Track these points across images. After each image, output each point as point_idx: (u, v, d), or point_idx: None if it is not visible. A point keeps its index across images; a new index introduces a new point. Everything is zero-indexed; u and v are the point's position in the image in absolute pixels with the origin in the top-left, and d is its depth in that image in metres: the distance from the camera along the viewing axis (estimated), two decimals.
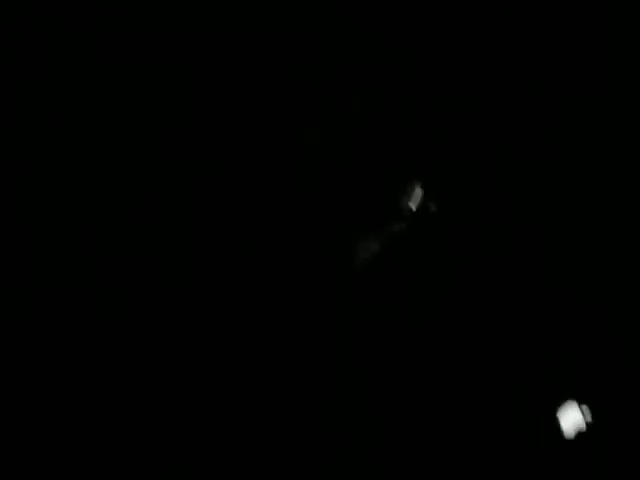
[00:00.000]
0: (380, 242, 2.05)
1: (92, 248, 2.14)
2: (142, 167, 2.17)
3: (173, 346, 2.08)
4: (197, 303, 2.10)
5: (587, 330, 2.10)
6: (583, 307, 2.13)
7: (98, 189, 2.17)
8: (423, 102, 2.23)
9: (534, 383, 2.07)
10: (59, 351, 2.07)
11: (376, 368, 2.06)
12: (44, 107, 2.15)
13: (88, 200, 2.16)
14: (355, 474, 2.04)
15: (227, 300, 2.10)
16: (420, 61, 2.22)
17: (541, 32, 2.22)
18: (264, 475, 2.01)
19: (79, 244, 2.14)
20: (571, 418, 2.03)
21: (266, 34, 2.20)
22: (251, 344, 2.06)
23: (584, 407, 2.03)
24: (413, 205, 2.06)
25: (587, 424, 2.03)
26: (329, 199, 2.15)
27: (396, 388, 2.06)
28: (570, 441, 2.03)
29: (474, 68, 2.23)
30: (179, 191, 2.17)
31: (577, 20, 2.21)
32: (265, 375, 2.04)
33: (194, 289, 2.11)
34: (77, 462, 2.00)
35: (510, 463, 2.04)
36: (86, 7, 2.16)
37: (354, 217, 2.12)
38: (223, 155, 2.19)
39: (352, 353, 2.05)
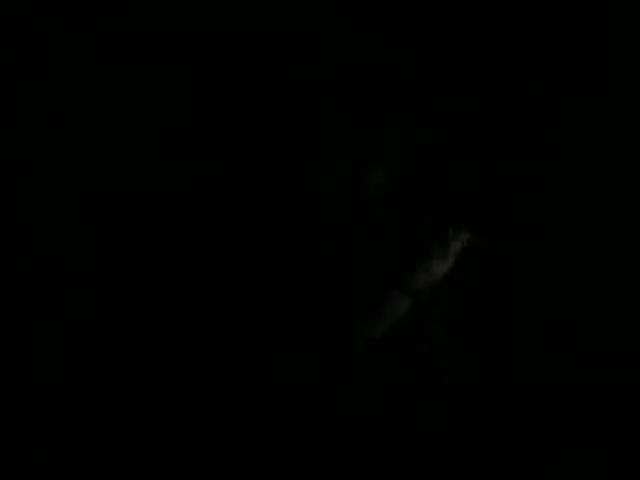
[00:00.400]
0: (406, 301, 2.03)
1: (92, 248, 2.14)
2: (142, 167, 2.17)
3: (180, 353, 2.08)
4: (199, 305, 2.10)
5: None
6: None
7: (98, 189, 2.17)
8: (423, 102, 2.22)
9: None
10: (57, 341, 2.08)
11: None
12: (44, 107, 2.15)
13: (88, 200, 2.16)
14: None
15: (230, 300, 2.10)
16: (420, 61, 2.22)
17: (541, 32, 2.22)
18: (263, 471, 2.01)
19: (79, 243, 2.14)
20: None
21: (266, 34, 2.20)
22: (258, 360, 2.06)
23: None
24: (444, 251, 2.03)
25: None
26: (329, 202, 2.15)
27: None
28: None
29: (474, 68, 2.23)
30: (179, 191, 2.16)
31: (577, 20, 2.21)
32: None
33: (196, 289, 2.11)
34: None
35: None
36: (86, 7, 2.16)
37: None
38: (223, 155, 2.19)
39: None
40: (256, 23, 2.20)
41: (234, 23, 2.20)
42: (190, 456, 2.01)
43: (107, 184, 2.16)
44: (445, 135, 2.23)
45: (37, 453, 2.01)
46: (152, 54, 2.17)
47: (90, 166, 2.16)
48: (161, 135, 2.18)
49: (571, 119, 2.22)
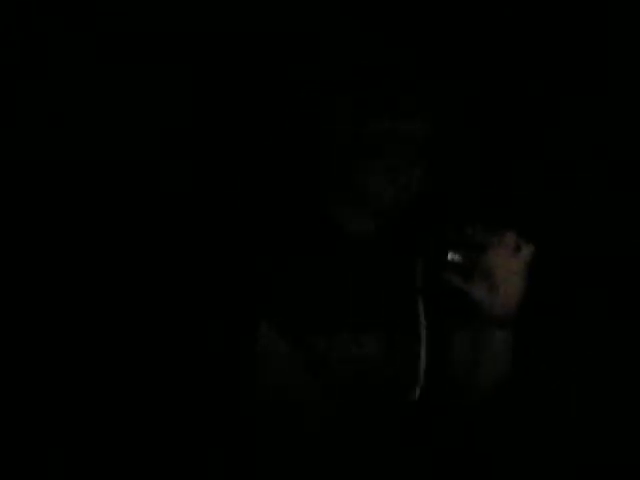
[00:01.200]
0: None
1: (92, 248, 2.14)
2: (142, 167, 2.17)
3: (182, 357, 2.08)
4: (199, 305, 2.10)
5: None
6: None
7: (98, 189, 2.17)
8: (423, 102, 2.22)
9: None
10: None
11: None
12: (44, 107, 2.15)
13: (88, 200, 2.16)
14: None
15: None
16: (420, 61, 2.22)
17: (541, 32, 2.22)
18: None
19: (78, 243, 2.14)
20: None
21: (266, 34, 2.20)
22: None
23: None
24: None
25: None
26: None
27: None
28: None
29: (474, 68, 2.23)
30: (179, 191, 2.17)
31: (577, 20, 2.22)
32: None
33: (196, 290, 2.11)
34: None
35: None
36: (86, 7, 2.16)
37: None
38: (223, 155, 2.19)
39: None
40: (256, 23, 2.20)
41: (234, 23, 2.20)
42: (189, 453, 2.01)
43: (107, 184, 2.16)
44: (445, 135, 2.23)
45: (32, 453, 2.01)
46: (152, 54, 2.18)
47: (90, 166, 2.16)
48: (161, 135, 2.19)
49: (571, 119, 2.22)
